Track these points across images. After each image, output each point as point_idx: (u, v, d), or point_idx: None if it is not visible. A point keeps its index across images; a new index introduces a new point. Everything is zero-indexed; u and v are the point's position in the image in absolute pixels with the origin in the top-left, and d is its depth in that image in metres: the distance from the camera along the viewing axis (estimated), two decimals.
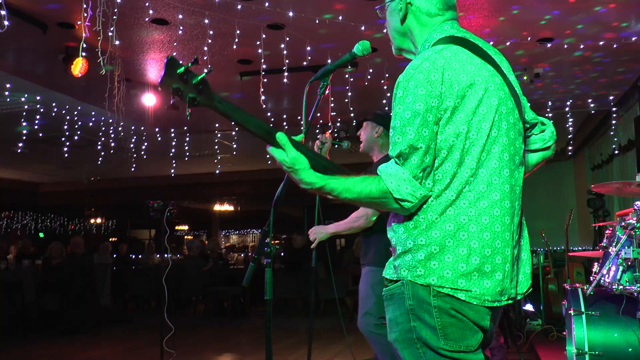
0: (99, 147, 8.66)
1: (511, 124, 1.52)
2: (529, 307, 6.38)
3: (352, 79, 5.94)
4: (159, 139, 8.81)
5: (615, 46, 5.39)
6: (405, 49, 1.71)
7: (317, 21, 4.70)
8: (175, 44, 5.24)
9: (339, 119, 7.90)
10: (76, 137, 8.11)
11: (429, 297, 1.42)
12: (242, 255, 12.74)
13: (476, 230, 1.42)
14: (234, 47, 5.03)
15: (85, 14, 4.12)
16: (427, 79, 1.42)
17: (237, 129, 8.60)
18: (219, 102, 1.53)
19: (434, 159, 1.44)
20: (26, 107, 7.07)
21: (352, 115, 6.93)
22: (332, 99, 6.61)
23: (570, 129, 8.05)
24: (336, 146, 3.34)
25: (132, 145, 8.79)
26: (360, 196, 1.47)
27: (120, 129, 7.61)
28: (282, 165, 1.54)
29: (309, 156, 1.55)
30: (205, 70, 1.51)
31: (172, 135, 8.81)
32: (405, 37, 1.68)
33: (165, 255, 4.73)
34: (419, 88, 1.42)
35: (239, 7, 4.49)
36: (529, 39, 5.16)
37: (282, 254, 9.97)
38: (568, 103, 7.34)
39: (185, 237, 20.61)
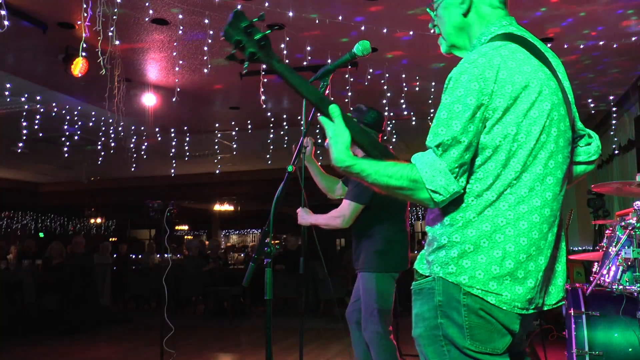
0: (99, 147, 8.66)
1: (561, 131, 1.47)
2: None
3: (352, 79, 5.94)
4: (159, 139, 8.81)
5: (615, 46, 5.39)
6: (459, 45, 1.64)
7: (317, 21, 4.70)
8: (175, 44, 5.24)
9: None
10: (76, 137, 8.11)
11: (459, 295, 1.40)
12: (242, 255, 12.74)
13: (513, 234, 1.40)
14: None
15: (85, 14, 4.11)
16: (481, 75, 1.38)
17: (237, 128, 8.61)
18: (277, 61, 1.53)
19: (472, 157, 1.41)
20: (26, 107, 7.07)
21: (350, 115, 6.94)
22: (332, 99, 6.61)
23: None
24: (318, 145, 3.33)
25: (132, 145, 8.79)
26: (389, 181, 1.43)
27: (120, 129, 7.62)
28: (328, 137, 1.54)
29: (357, 136, 1.55)
30: (269, 30, 1.53)
31: (172, 135, 8.82)
32: (462, 32, 1.61)
33: (165, 255, 4.73)
34: (472, 82, 1.38)
35: (239, 7, 4.49)
36: None
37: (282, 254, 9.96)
38: None
39: (185, 237, 20.61)
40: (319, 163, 3.50)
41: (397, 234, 3.27)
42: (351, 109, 3.45)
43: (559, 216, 1.50)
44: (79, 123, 7.64)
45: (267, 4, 4.42)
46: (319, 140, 3.42)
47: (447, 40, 1.65)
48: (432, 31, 1.69)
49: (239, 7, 4.40)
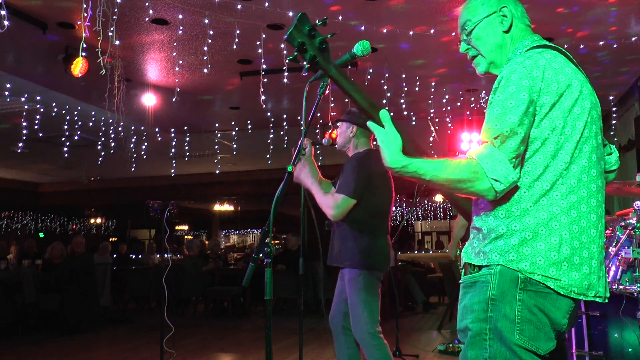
0: (99, 147, 8.66)
1: (598, 130, 1.59)
2: None
3: (352, 79, 5.93)
4: (159, 139, 8.81)
5: (615, 46, 5.40)
6: (497, 62, 1.71)
7: (317, 21, 4.70)
8: (175, 44, 5.24)
9: (320, 120, 7.92)
10: (76, 137, 8.11)
11: (515, 290, 1.45)
12: (242, 255, 12.74)
13: (567, 222, 1.48)
14: (234, 47, 5.03)
15: (85, 14, 4.11)
16: (530, 73, 1.48)
17: (237, 128, 8.61)
18: (335, 67, 1.58)
19: (525, 150, 1.49)
20: (26, 107, 7.07)
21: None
22: (332, 99, 6.61)
23: None
24: (317, 146, 3.32)
25: (132, 145, 8.78)
26: (449, 176, 1.48)
27: (120, 129, 7.61)
28: (377, 140, 1.59)
29: (404, 140, 1.60)
30: (329, 35, 1.59)
31: (172, 135, 8.82)
32: (502, 49, 1.70)
33: (165, 255, 4.73)
34: (523, 80, 1.48)
35: (239, 7, 4.49)
36: None
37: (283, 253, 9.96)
38: None
39: (185, 237, 20.61)
40: (319, 163, 3.50)
41: (382, 234, 3.26)
42: (352, 109, 3.45)
43: (603, 210, 1.58)
44: (79, 123, 7.64)
45: (267, 4, 4.42)
46: (323, 141, 3.43)
47: (487, 57, 1.72)
48: (467, 55, 1.77)
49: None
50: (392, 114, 1.57)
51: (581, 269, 1.47)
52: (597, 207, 1.53)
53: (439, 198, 15.58)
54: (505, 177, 1.44)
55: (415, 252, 13.39)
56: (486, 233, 1.54)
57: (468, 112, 7.67)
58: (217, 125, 8.47)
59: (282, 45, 5.03)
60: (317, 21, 1.52)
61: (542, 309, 1.45)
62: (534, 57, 1.53)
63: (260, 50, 5.02)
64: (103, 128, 7.73)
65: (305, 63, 1.54)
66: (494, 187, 1.44)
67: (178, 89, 5.94)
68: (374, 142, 3.44)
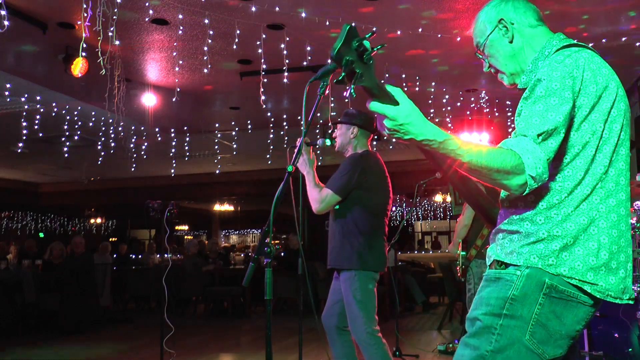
0: (99, 147, 8.66)
1: (630, 131, 1.60)
2: None
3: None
4: (159, 139, 8.81)
5: (615, 46, 5.40)
6: (518, 71, 1.70)
7: (317, 21, 4.70)
8: (175, 44, 5.24)
9: (320, 121, 7.92)
10: (76, 137, 8.11)
11: (539, 294, 1.45)
12: (242, 255, 12.74)
13: (606, 226, 1.48)
14: (234, 47, 5.04)
15: (85, 14, 4.11)
16: (571, 73, 1.45)
17: (237, 128, 8.61)
18: (377, 86, 1.38)
19: (564, 154, 1.48)
20: (26, 107, 7.07)
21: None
22: (332, 99, 6.61)
23: None
24: (317, 146, 3.32)
25: (132, 145, 8.78)
26: (489, 164, 1.38)
27: (120, 129, 7.61)
28: (392, 126, 1.39)
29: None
30: (376, 48, 1.40)
31: (172, 135, 8.82)
32: (515, 58, 1.69)
33: (165, 256, 4.73)
34: (565, 79, 1.45)
35: (239, 7, 4.49)
36: None
37: (282, 254, 9.96)
38: None
39: (185, 237, 20.62)
40: (319, 163, 3.50)
41: (379, 235, 3.25)
42: (349, 110, 3.45)
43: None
44: (79, 123, 7.64)
45: (267, 4, 4.42)
46: (318, 141, 3.42)
47: (506, 71, 1.72)
48: (491, 72, 1.76)
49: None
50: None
51: (618, 274, 1.48)
52: (629, 208, 1.56)
53: (439, 198, 15.56)
54: (540, 177, 1.40)
55: (415, 252, 13.39)
56: (524, 236, 1.51)
57: (468, 112, 7.68)
58: (217, 125, 8.47)
59: (282, 45, 5.03)
60: (366, 35, 1.36)
61: (559, 316, 1.46)
62: (573, 56, 1.49)
63: (260, 50, 5.02)
64: (103, 128, 7.73)
65: (351, 84, 1.36)
66: (529, 183, 1.40)
67: (178, 89, 5.94)
68: (374, 143, 3.44)
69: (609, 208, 1.49)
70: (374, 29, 4.86)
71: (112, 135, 7.93)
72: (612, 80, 1.53)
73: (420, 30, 4.97)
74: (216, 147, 9.32)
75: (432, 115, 7.63)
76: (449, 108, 7.45)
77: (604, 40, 5.30)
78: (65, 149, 8.68)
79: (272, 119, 7.83)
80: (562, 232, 1.47)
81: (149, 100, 6.39)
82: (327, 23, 4.75)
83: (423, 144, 1.41)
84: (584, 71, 1.46)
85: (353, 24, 1.38)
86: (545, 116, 1.41)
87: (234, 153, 9.64)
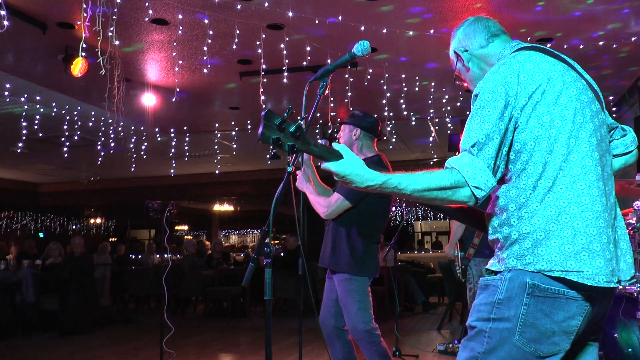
0: (99, 147, 8.65)
1: (594, 112, 1.58)
2: None
3: (352, 79, 5.94)
4: (159, 139, 8.81)
5: (615, 46, 5.40)
6: None
7: (317, 21, 4.70)
8: (175, 44, 5.24)
9: (320, 122, 7.91)
10: (76, 137, 8.11)
11: (523, 295, 1.46)
12: (242, 255, 12.74)
13: (577, 210, 1.47)
14: (234, 47, 5.04)
15: (85, 14, 4.11)
16: (505, 80, 1.52)
17: (237, 128, 8.61)
18: (315, 145, 1.57)
19: (517, 156, 1.52)
20: (26, 107, 7.07)
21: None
22: (332, 99, 6.61)
23: None
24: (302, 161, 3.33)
25: (132, 145, 8.78)
26: (430, 186, 1.50)
27: (120, 129, 7.61)
28: (338, 178, 1.57)
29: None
30: (299, 118, 1.59)
31: (172, 135, 8.81)
32: (477, 80, 1.74)
33: (165, 256, 4.73)
34: (497, 87, 1.52)
35: (239, 7, 4.49)
36: (528, 39, 5.16)
37: (282, 254, 9.97)
38: None
39: (185, 237, 20.61)
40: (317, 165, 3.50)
41: (375, 241, 3.28)
42: (352, 109, 3.45)
43: (611, 187, 1.58)
44: (79, 123, 7.64)
45: (267, 4, 4.42)
46: (326, 140, 3.44)
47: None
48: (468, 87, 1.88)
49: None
50: (392, 113, 1.57)
51: (604, 255, 1.46)
52: (609, 190, 1.54)
53: None
54: (486, 184, 1.48)
55: (415, 252, 13.39)
56: (503, 242, 1.56)
57: (468, 112, 7.66)
58: (216, 125, 8.46)
59: (282, 45, 5.03)
60: (284, 113, 1.51)
61: (548, 315, 1.46)
62: (507, 62, 1.56)
63: (260, 50, 5.02)
64: (103, 128, 7.73)
65: (288, 157, 1.56)
66: (475, 194, 1.49)
67: (178, 89, 5.94)
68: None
69: (577, 192, 1.48)
70: (374, 28, 4.86)
71: (112, 135, 7.92)
72: (555, 71, 1.55)
73: (413, 32, 4.97)
74: (216, 147, 9.32)
75: (432, 115, 7.63)
76: (449, 108, 7.45)
77: (601, 43, 5.30)
78: (65, 149, 8.67)
79: None
80: (531, 228, 1.48)
81: (149, 100, 6.39)
82: (327, 23, 4.75)
83: (368, 190, 1.55)
84: (519, 74, 1.51)
85: (269, 108, 1.57)
86: (478, 127, 1.51)
87: (234, 153, 9.64)
